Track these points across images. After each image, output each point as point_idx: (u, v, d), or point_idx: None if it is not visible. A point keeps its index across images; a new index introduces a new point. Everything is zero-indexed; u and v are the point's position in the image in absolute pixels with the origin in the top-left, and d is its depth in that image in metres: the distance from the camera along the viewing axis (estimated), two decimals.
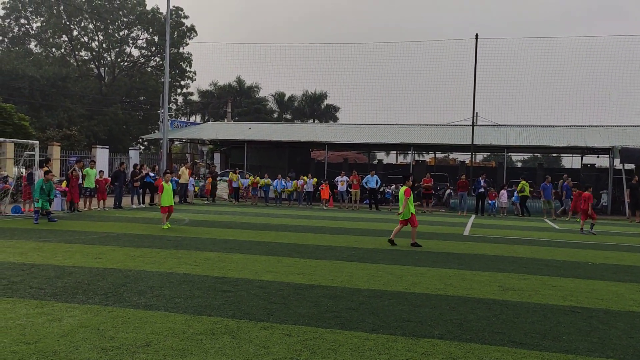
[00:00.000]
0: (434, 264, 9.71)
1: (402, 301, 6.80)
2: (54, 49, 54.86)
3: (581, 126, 32.92)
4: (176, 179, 24.51)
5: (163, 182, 14.57)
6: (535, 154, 50.13)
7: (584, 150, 34.05)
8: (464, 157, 45.62)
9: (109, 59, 56.18)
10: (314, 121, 63.23)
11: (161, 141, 33.00)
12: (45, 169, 16.18)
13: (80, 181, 19.21)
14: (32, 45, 55.52)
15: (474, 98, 28.78)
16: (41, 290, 6.79)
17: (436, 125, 36.50)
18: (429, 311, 6.36)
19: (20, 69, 45.41)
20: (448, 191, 29.51)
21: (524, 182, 24.57)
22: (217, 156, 38.71)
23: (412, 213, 11.99)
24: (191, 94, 61.17)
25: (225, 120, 52.58)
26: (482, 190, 24.02)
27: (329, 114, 65.57)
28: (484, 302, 6.91)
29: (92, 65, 56.68)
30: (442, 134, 33.17)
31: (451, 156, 55.48)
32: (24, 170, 19.34)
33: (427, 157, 51.63)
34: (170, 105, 55.67)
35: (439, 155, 52.77)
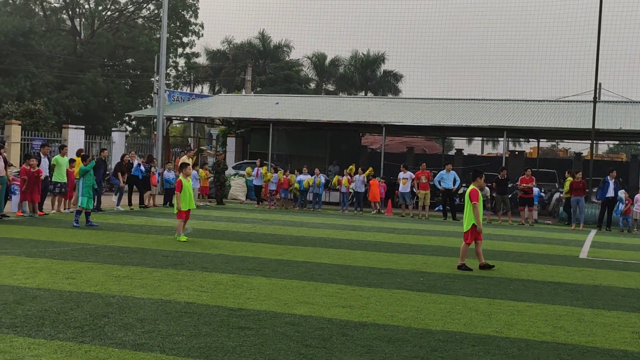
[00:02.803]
0: (537, 298, 9.55)
1: (491, 349, 6.71)
2: None
3: None
4: (171, 174, 24.85)
5: (181, 178, 14.79)
6: None
7: None
8: (581, 147, 44.71)
9: (86, 6, 57.49)
10: (366, 94, 63.22)
11: (155, 120, 33.60)
12: None
13: (46, 174, 19.70)
14: None
15: (597, 62, 28.13)
16: None
17: (540, 101, 35.96)
18: None
19: None
20: (557, 195, 28.95)
21: None
22: (231, 141, 39.04)
23: (473, 224, 11.96)
24: (197, 55, 61.93)
25: (244, 92, 53.11)
26: (611, 195, 23.48)
27: (387, 85, 65.43)
28: (612, 354, 6.76)
29: (64, 16, 58.10)
30: (548, 113, 32.57)
31: (561, 145, 54.45)
32: None
33: (527, 147, 50.88)
34: (169, 71, 56.54)
35: (544, 144, 51.88)
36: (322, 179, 27.53)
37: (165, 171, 25.71)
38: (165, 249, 13.11)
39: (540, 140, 43.18)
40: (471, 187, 12.31)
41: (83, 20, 58.18)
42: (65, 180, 19.97)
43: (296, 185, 27.11)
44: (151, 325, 7.01)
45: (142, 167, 23.57)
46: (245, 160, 35.84)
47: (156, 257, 11.86)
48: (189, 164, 15.69)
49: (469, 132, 40.41)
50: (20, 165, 20.04)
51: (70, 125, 32.61)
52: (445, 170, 25.88)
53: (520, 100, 35.90)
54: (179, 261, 11.52)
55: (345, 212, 26.28)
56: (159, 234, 15.68)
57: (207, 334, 6.78)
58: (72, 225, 16.33)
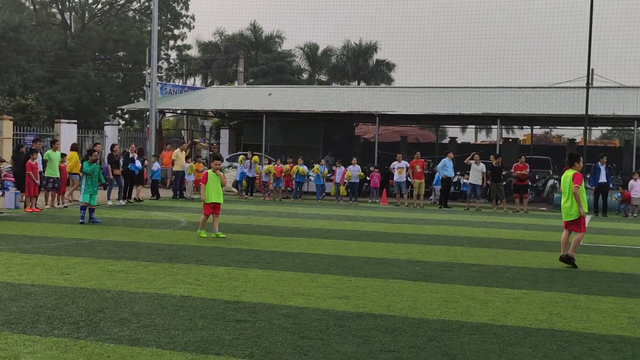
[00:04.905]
0: (533, 285, 9.58)
1: (488, 337, 6.71)
2: None
3: None
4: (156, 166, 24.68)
5: (209, 171, 14.60)
6: None
7: None
8: (574, 133, 44.78)
9: (76, 0, 57.18)
10: (359, 84, 63.15)
11: (148, 113, 33.50)
12: None
13: (40, 169, 19.62)
14: None
15: (590, 48, 28.11)
16: None
17: (533, 88, 35.95)
18: (528, 352, 6.26)
19: None
20: (551, 182, 29.01)
21: None
22: (224, 133, 39.01)
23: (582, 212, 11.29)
24: (188, 47, 61.80)
25: (236, 84, 53.02)
26: (603, 181, 23.57)
27: (380, 74, 65.33)
28: (608, 339, 6.78)
29: (55, 10, 57.81)
30: (541, 100, 32.58)
31: (555, 132, 54.49)
32: None
33: (521, 134, 50.94)
34: (160, 64, 56.37)
35: (538, 130, 51.93)
36: (325, 169, 27.58)
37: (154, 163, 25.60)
38: (160, 242, 13.09)
39: (534, 127, 43.27)
40: (572, 171, 11.44)
41: (73, 13, 57.87)
42: (57, 175, 19.88)
43: (304, 171, 27.11)
44: (147, 320, 6.99)
45: (137, 163, 23.37)
46: (239, 152, 35.78)
47: (151, 251, 11.84)
48: (219, 157, 15.50)
49: (462, 120, 40.46)
50: (19, 160, 19.88)
51: (62, 120, 32.49)
52: (447, 158, 25.89)
53: (514, 88, 35.88)
54: (174, 255, 11.50)
55: (339, 203, 26.36)
56: (153, 228, 15.65)
57: (203, 327, 6.77)
58: (78, 222, 16.09)
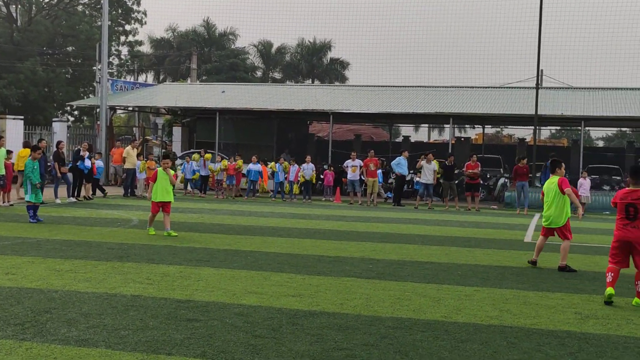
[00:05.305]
0: (484, 283, 9.70)
1: (440, 334, 6.78)
2: None
3: None
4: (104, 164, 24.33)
5: (159, 170, 14.45)
6: (623, 129, 50.13)
7: None
8: (524, 132, 45.58)
9: None
10: (313, 82, 63.21)
11: (98, 110, 32.97)
12: None
13: None
14: None
15: (539, 49, 28.68)
16: None
17: (485, 88, 36.45)
18: (478, 349, 6.33)
19: None
20: (502, 180, 29.48)
21: None
22: (177, 131, 38.66)
23: (568, 217, 11.34)
24: (140, 43, 61.00)
25: (189, 81, 52.53)
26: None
27: (334, 72, 65.54)
28: (555, 335, 6.90)
29: None
30: (493, 100, 33.07)
31: (506, 131, 55.41)
32: None
33: (473, 133, 51.66)
34: (111, 60, 55.52)
35: (489, 130, 52.68)
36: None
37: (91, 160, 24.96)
38: (110, 241, 12.89)
39: (485, 126, 43.85)
40: (557, 177, 11.32)
41: (19, 6, 56.61)
42: (3, 172, 19.41)
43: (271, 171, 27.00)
44: (96, 320, 6.88)
45: (87, 162, 22.94)
46: (191, 150, 35.48)
47: (101, 250, 11.66)
48: (169, 156, 15.34)
49: (415, 119, 40.78)
50: None
51: (7, 116, 31.71)
52: (402, 156, 26.07)
53: (466, 87, 36.32)
54: (124, 253, 11.34)
55: (292, 201, 26.38)
56: (103, 226, 15.41)
57: (154, 327, 6.69)
58: (28, 221, 15.60)
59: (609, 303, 8.42)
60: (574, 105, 31.02)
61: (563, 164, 11.75)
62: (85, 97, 53.48)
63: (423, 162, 25.28)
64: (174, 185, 14.80)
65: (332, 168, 28.42)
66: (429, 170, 25.19)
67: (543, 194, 11.57)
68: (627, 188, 8.93)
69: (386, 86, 38.02)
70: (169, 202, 14.37)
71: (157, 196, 14.18)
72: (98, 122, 32.75)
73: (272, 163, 27.48)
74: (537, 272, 10.87)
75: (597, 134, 58.24)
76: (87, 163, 22.97)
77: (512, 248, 13.83)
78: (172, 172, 14.69)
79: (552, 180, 11.35)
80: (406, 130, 51.94)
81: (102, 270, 9.74)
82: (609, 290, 8.39)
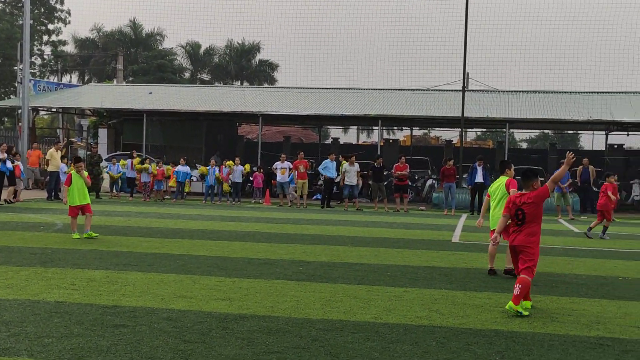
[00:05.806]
0: (413, 283, 9.79)
1: (370, 336, 6.81)
2: None
3: (606, 93, 34.11)
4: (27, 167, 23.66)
5: (73, 173, 14.15)
6: (545, 131, 51.67)
7: (609, 126, 35.27)
8: (451, 134, 46.47)
9: None
10: (242, 83, 62.93)
11: (20, 111, 31.96)
12: None
13: None
14: None
15: (465, 53, 29.29)
16: None
17: (412, 90, 36.98)
18: (409, 349, 6.38)
19: None
20: (430, 181, 29.96)
21: None
22: (103, 132, 37.88)
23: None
24: (64, 43, 59.68)
25: (115, 82, 51.52)
26: (480, 180, 24.47)
27: (263, 74, 65.40)
28: (483, 334, 7.01)
29: None
30: (420, 102, 33.62)
31: (433, 133, 56.38)
32: None
33: (401, 135, 52.38)
34: (33, 60, 54.03)
35: (417, 132, 53.50)
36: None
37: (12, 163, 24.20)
38: (32, 246, 12.49)
39: (413, 128, 44.49)
40: (505, 177, 11.05)
41: None
42: None
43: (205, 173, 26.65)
44: (18, 328, 6.64)
45: (8, 164, 22.14)
46: (118, 152, 34.80)
47: (23, 255, 11.28)
48: (82, 159, 15.11)
49: (344, 121, 41.05)
50: None
51: None
52: (329, 159, 26.20)
53: (394, 90, 36.78)
54: (48, 258, 11.01)
55: (223, 203, 26.18)
56: (25, 231, 14.92)
57: (80, 334, 6.51)
58: None
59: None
60: (498, 107, 31.83)
61: (512, 165, 11.53)
62: (5, 97, 51.88)
63: (346, 165, 25.50)
64: (90, 187, 14.63)
65: (261, 170, 28.33)
66: (352, 172, 25.45)
67: (489, 196, 11.30)
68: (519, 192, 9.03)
69: (315, 88, 38.14)
70: (88, 203, 14.24)
71: (74, 200, 14.03)
72: (20, 124, 31.78)
73: (203, 167, 27.18)
74: (465, 272, 11.05)
75: (521, 135, 59.96)
76: (9, 165, 22.23)
77: (441, 248, 14.01)
78: (85, 173, 14.55)
79: (501, 181, 11.12)
80: (335, 132, 52.24)
81: (24, 276, 9.43)
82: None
